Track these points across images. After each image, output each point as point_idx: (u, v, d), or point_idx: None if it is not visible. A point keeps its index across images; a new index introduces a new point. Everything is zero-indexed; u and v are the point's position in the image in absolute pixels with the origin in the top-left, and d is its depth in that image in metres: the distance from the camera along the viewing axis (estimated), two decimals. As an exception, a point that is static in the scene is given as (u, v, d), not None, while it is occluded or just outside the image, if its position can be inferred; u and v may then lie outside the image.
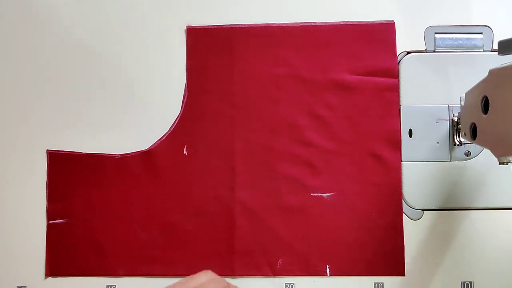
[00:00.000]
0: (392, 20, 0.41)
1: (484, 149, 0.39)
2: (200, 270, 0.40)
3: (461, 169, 0.40)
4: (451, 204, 0.40)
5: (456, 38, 0.41)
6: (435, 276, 0.40)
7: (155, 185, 0.41)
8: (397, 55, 0.41)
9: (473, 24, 0.41)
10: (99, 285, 0.40)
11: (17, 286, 0.41)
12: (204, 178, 0.40)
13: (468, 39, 0.41)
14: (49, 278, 0.41)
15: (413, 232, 0.40)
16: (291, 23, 0.41)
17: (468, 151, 0.40)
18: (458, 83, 0.40)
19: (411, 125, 0.41)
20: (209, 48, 0.41)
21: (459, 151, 0.40)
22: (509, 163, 0.31)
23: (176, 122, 0.41)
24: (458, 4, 0.41)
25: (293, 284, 0.40)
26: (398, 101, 0.41)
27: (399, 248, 0.40)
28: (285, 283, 0.40)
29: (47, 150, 0.41)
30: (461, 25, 0.41)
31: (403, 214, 0.40)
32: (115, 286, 0.40)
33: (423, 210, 0.40)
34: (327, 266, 0.40)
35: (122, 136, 0.41)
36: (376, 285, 0.40)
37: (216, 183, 0.40)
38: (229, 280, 0.40)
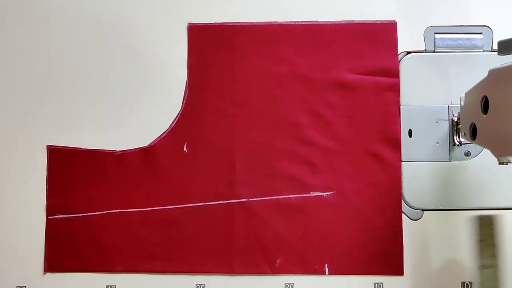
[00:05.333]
0: (394, 20, 0.41)
1: (484, 149, 0.39)
2: (199, 267, 0.40)
3: (461, 169, 0.40)
4: (451, 204, 0.40)
5: (456, 38, 0.41)
6: (435, 276, 0.39)
7: (155, 182, 0.41)
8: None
9: (473, 24, 0.41)
10: (97, 281, 0.40)
11: (16, 287, 0.40)
12: (204, 176, 0.40)
13: (468, 39, 0.41)
14: (48, 274, 0.41)
15: (413, 232, 0.40)
16: (293, 22, 0.42)
17: (468, 151, 0.40)
18: (458, 83, 0.41)
19: (411, 125, 0.41)
20: (210, 46, 0.41)
21: (459, 151, 0.40)
22: (509, 163, 0.31)
23: (177, 119, 0.41)
24: (458, 4, 0.41)
25: (293, 284, 0.40)
26: (399, 101, 0.41)
27: (398, 248, 0.40)
28: (285, 283, 0.40)
29: (47, 146, 0.41)
30: (461, 25, 0.41)
31: (403, 214, 0.40)
32: (115, 286, 0.40)
33: (423, 210, 0.40)
34: (326, 265, 0.40)
35: (123, 132, 0.42)
36: (376, 285, 0.40)
37: (216, 181, 0.40)
38: (229, 278, 0.40)
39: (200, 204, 0.40)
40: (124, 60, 0.42)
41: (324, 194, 0.40)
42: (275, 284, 0.40)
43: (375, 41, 0.41)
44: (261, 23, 0.42)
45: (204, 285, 0.40)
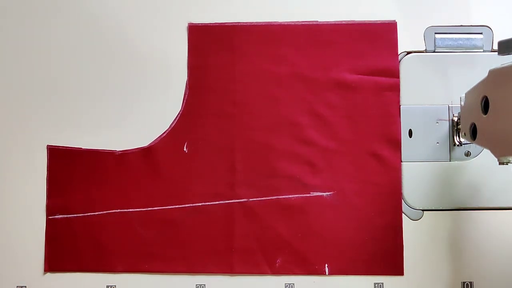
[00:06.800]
0: (394, 20, 0.41)
1: (484, 149, 0.39)
2: (199, 267, 0.40)
3: (461, 169, 0.40)
4: (451, 204, 0.40)
5: (456, 38, 0.41)
6: (435, 276, 0.39)
7: (155, 182, 0.41)
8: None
9: (473, 24, 0.41)
10: (97, 281, 0.40)
11: (16, 287, 0.40)
12: (204, 176, 0.41)
13: (468, 39, 0.41)
14: (48, 274, 0.41)
15: (413, 232, 0.40)
16: (293, 22, 0.42)
17: (468, 151, 0.40)
18: (458, 83, 0.41)
19: (411, 125, 0.41)
20: (211, 46, 0.41)
21: (459, 151, 0.40)
22: (509, 163, 0.31)
23: (177, 119, 0.41)
24: (458, 4, 0.41)
25: (293, 284, 0.40)
26: (399, 101, 0.41)
27: (398, 248, 0.40)
28: (285, 283, 0.40)
29: (48, 146, 0.42)
30: (461, 25, 0.41)
31: (403, 214, 0.40)
32: (115, 286, 0.40)
33: (423, 210, 0.40)
34: (326, 265, 0.40)
35: (123, 133, 0.42)
36: (376, 285, 0.40)
37: (216, 181, 0.40)
38: (229, 278, 0.40)
39: (200, 204, 0.40)
40: (124, 60, 0.42)
41: (324, 194, 0.40)
42: (275, 284, 0.40)
43: (375, 41, 0.41)
44: (261, 23, 0.42)
45: (204, 285, 0.40)
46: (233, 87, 0.41)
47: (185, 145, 0.41)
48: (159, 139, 0.41)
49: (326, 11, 0.42)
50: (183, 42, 0.42)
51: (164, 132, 0.41)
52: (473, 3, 0.41)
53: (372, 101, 0.41)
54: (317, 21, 0.42)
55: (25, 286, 0.41)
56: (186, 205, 0.41)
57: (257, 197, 0.40)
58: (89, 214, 0.41)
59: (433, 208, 0.40)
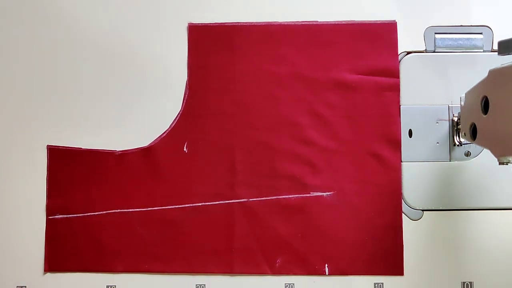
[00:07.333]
0: (394, 20, 0.41)
1: (484, 149, 0.39)
2: (199, 267, 0.40)
3: (461, 169, 0.40)
4: (451, 204, 0.40)
5: (456, 38, 0.41)
6: (435, 276, 0.39)
7: (155, 182, 0.41)
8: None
9: (473, 24, 0.41)
10: (97, 281, 0.40)
11: (16, 287, 0.41)
12: (204, 176, 0.41)
13: (468, 39, 0.41)
14: (48, 274, 0.41)
15: (413, 232, 0.40)
16: (293, 22, 0.42)
17: (468, 151, 0.40)
18: (458, 83, 0.41)
19: (411, 125, 0.41)
20: (211, 46, 0.41)
21: (459, 151, 0.40)
22: (509, 163, 0.31)
23: (177, 119, 0.41)
24: (458, 4, 0.41)
25: (293, 284, 0.40)
26: (399, 101, 0.41)
27: (398, 248, 0.40)
28: (285, 283, 0.40)
29: (47, 146, 0.42)
30: (461, 25, 0.41)
31: (403, 214, 0.40)
32: (115, 286, 0.40)
33: (423, 210, 0.40)
34: (326, 265, 0.40)
35: (123, 133, 0.42)
36: (376, 285, 0.40)
37: (216, 181, 0.40)
38: (229, 278, 0.40)
39: (200, 204, 0.40)
40: (124, 60, 0.42)
41: (324, 194, 0.40)
42: (275, 284, 0.40)
43: (375, 41, 0.41)
44: (261, 23, 0.42)
45: (204, 285, 0.40)
46: (233, 87, 0.41)
47: (185, 145, 0.41)
48: (159, 139, 0.41)
49: (326, 11, 0.42)
50: (183, 42, 0.42)
51: (164, 132, 0.41)
52: (473, 3, 0.41)
53: (372, 101, 0.41)
54: (317, 21, 0.42)
55: (25, 286, 0.41)
56: (186, 205, 0.41)
57: (257, 197, 0.40)
58: (89, 214, 0.41)
59: (433, 208, 0.40)
